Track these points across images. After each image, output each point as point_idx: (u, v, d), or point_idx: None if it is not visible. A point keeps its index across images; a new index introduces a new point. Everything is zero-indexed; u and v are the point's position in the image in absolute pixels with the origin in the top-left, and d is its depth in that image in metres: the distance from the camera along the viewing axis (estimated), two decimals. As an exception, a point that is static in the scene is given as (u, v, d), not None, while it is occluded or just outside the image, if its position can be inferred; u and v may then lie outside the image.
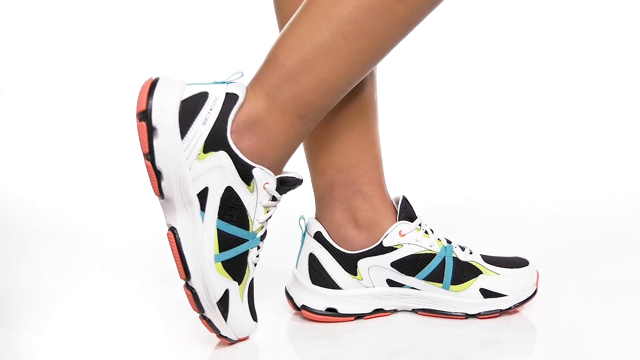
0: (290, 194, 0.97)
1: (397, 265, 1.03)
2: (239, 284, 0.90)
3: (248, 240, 0.90)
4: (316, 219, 1.07)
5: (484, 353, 0.99)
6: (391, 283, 1.04)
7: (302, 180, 0.93)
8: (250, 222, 0.90)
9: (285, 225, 1.24)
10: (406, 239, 1.03)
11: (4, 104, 1.95)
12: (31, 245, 1.43)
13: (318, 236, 1.05)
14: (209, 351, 0.97)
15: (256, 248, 0.92)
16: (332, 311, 1.04)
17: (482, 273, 1.04)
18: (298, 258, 1.07)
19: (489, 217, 1.55)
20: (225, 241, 0.89)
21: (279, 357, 0.98)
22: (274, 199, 0.91)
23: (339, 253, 1.04)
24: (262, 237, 0.92)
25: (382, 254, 1.03)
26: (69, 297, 1.17)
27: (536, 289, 1.06)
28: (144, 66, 1.92)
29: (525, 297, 1.05)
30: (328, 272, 1.04)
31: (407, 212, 1.05)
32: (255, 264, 0.92)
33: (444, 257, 1.04)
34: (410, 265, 1.03)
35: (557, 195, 1.66)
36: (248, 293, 0.93)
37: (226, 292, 0.90)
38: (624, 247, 1.37)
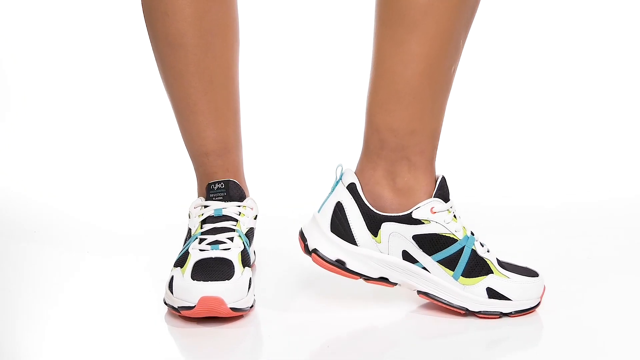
0: (290, 197, 1.21)
1: (419, 239, 1.03)
2: (181, 268, 1.06)
3: (191, 237, 1.12)
4: (355, 171, 1.05)
5: (485, 353, 1.00)
6: (406, 256, 1.04)
7: (214, 182, 1.16)
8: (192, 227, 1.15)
9: (285, 226, 1.29)
10: (435, 217, 1.03)
11: (3, 104, 1.90)
12: (31, 245, 1.39)
13: (352, 187, 1.03)
14: (208, 350, 0.97)
15: (197, 242, 1.09)
16: (340, 263, 1.03)
17: (492, 273, 1.05)
18: (323, 203, 1.05)
19: (488, 218, 1.54)
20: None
21: (279, 357, 0.96)
22: (200, 206, 1.15)
23: (367, 210, 1.03)
24: (204, 233, 1.11)
25: (408, 224, 1.03)
26: (69, 297, 1.15)
27: (539, 302, 1.07)
28: (142, 64, 1.86)
29: (528, 307, 1.05)
30: (350, 224, 1.03)
31: (443, 192, 1.04)
32: (199, 250, 1.08)
33: (464, 246, 1.04)
34: (431, 243, 1.03)
35: (557, 195, 1.66)
36: (192, 272, 1.05)
37: (172, 278, 1.06)
38: (624, 247, 1.37)
